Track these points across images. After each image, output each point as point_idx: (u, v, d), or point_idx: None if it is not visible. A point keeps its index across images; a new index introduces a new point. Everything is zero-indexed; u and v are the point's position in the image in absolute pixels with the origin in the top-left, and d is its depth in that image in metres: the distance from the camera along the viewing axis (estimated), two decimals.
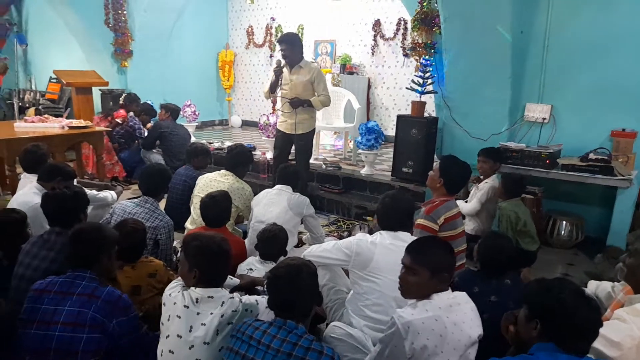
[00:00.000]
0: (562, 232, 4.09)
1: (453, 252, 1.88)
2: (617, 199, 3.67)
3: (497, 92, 4.21)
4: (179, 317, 1.78)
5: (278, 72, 4.23)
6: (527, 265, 3.42)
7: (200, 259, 1.83)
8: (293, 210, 3.21)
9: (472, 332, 1.76)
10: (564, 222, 4.08)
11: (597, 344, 1.68)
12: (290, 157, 4.66)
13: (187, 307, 1.78)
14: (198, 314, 1.77)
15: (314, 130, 4.52)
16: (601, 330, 1.52)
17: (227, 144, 6.40)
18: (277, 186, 3.35)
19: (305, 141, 4.47)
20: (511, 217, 3.35)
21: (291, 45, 4.19)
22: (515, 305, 1.96)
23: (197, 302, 1.79)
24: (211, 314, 1.77)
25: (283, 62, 4.28)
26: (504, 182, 3.49)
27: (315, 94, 4.28)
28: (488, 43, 4.02)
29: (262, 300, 1.96)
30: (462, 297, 1.85)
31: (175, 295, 1.83)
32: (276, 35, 8.54)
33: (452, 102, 4.51)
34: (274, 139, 4.96)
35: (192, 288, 1.84)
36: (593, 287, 2.43)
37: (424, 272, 1.75)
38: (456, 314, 1.75)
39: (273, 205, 3.23)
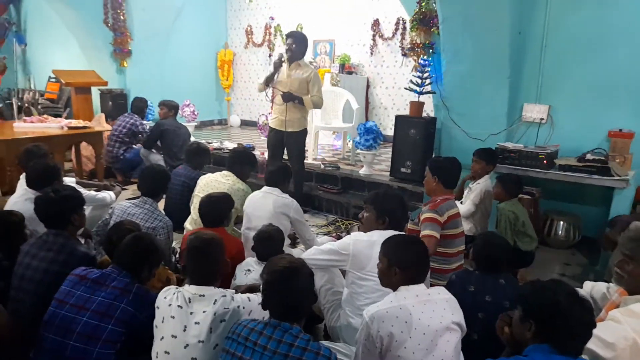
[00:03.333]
0: (560, 232, 4.11)
1: (421, 253, 1.90)
2: (614, 199, 3.69)
3: (495, 92, 4.23)
4: (173, 317, 1.80)
5: (278, 64, 4.29)
6: (524, 266, 3.43)
7: (187, 256, 1.91)
8: (278, 213, 3.09)
9: (444, 318, 1.77)
10: (561, 222, 4.10)
11: (592, 344, 1.70)
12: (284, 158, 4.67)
13: (181, 307, 1.81)
14: (191, 313, 1.80)
15: (305, 130, 4.53)
16: (595, 331, 1.54)
17: (226, 143, 6.41)
18: (263, 188, 3.24)
19: (297, 141, 4.47)
20: (510, 217, 3.36)
21: (298, 41, 4.29)
22: (510, 304, 1.98)
23: (189, 301, 1.82)
24: (204, 312, 1.79)
25: (285, 56, 4.34)
26: (503, 183, 3.48)
27: (309, 94, 4.30)
28: (486, 43, 4.03)
29: (254, 297, 1.97)
30: (436, 292, 1.87)
31: (170, 298, 1.85)
32: (275, 35, 8.57)
33: (450, 103, 4.52)
34: None
35: (186, 287, 1.87)
36: (588, 287, 2.44)
37: (384, 261, 1.88)
38: (424, 303, 1.78)
39: (259, 209, 3.14)
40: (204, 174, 3.81)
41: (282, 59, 4.31)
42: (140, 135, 5.74)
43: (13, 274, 2.22)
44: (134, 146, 5.71)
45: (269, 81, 4.34)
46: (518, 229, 3.37)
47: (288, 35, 4.39)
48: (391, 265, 1.84)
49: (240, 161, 3.67)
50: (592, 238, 4.06)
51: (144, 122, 5.89)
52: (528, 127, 4.31)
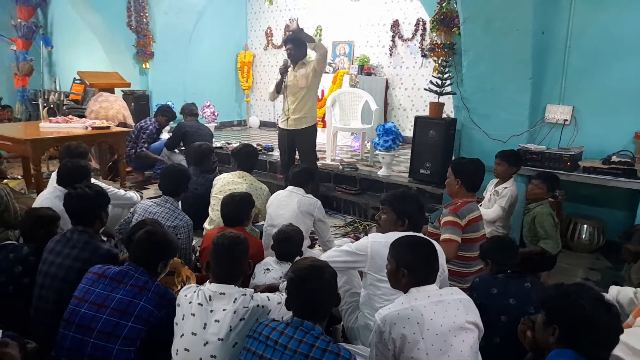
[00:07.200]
0: (583, 236, 4.02)
1: (429, 254, 1.87)
2: None
3: (517, 93, 4.16)
4: (194, 315, 1.82)
5: (283, 70, 4.35)
6: (548, 268, 3.36)
7: (212, 253, 1.93)
8: (303, 212, 3.18)
9: (458, 317, 1.74)
10: (585, 226, 4.01)
11: (618, 351, 1.66)
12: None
13: (201, 305, 1.82)
14: (211, 311, 1.81)
15: (316, 125, 4.57)
16: (622, 337, 1.50)
17: None
18: (288, 188, 3.33)
19: (307, 138, 4.52)
20: (554, 220, 3.28)
21: (296, 45, 4.36)
22: (534, 309, 1.95)
23: (210, 299, 1.83)
24: (224, 310, 1.80)
25: (288, 61, 4.41)
26: (546, 180, 3.36)
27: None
28: (508, 44, 3.97)
29: (274, 297, 1.98)
30: (448, 292, 1.84)
31: (190, 295, 1.87)
32: None
33: (471, 104, 4.46)
34: None
35: (207, 285, 1.88)
36: (614, 292, 2.39)
37: (392, 263, 1.88)
38: (436, 303, 1.75)
39: (283, 208, 3.21)
40: (214, 176, 3.85)
41: (288, 65, 4.37)
42: (142, 136, 5.72)
43: (37, 271, 2.26)
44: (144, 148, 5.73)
45: (279, 88, 4.40)
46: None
47: (285, 42, 4.46)
48: (399, 266, 1.83)
49: (250, 157, 3.79)
50: (617, 243, 3.95)
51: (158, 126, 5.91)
52: (551, 128, 4.23)
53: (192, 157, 4.22)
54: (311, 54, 4.53)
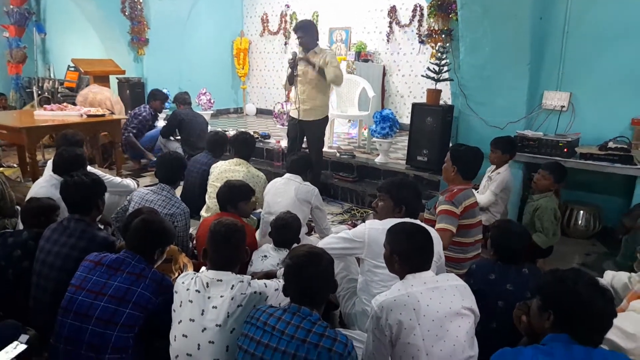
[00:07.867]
0: (580, 222, 4.04)
1: (422, 242, 1.86)
2: (637, 188, 3.59)
3: (514, 79, 4.15)
4: (191, 301, 1.83)
5: (293, 64, 4.27)
6: (543, 257, 3.38)
7: (209, 241, 1.94)
8: (300, 200, 3.18)
9: (454, 303, 1.75)
10: (582, 212, 4.03)
11: (612, 335, 1.68)
12: (303, 147, 4.66)
13: (199, 292, 1.83)
14: (209, 297, 1.82)
15: (326, 119, 4.50)
16: (616, 321, 1.51)
17: None
18: (286, 175, 3.33)
19: (316, 130, 4.45)
20: (557, 214, 3.26)
21: (306, 31, 4.26)
22: (532, 295, 1.96)
23: (207, 286, 1.84)
24: (221, 297, 1.81)
25: (298, 52, 4.35)
26: (554, 172, 3.33)
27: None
28: (506, 30, 3.94)
29: (271, 283, 1.99)
30: (444, 279, 1.85)
31: (188, 282, 1.87)
32: (291, 23, 8.51)
33: (469, 90, 4.45)
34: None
35: (204, 272, 1.89)
36: (609, 277, 2.41)
37: (387, 249, 1.90)
38: (432, 290, 1.77)
39: (280, 195, 3.22)
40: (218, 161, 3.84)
41: (296, 57, 4.29)
42: (134, 122, 5.68)
43: (35, 259, 2.26)
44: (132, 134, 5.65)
45: (291, 80, 4.34)
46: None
47: (295, 29, 4.37)
48: (392, 253, 1.85)
49: (247, 144, 3.77)
50: (613, 228, 3.98)
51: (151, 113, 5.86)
52: (548, 115, 4.22)
53: (207, 144, 4.23)
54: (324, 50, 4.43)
